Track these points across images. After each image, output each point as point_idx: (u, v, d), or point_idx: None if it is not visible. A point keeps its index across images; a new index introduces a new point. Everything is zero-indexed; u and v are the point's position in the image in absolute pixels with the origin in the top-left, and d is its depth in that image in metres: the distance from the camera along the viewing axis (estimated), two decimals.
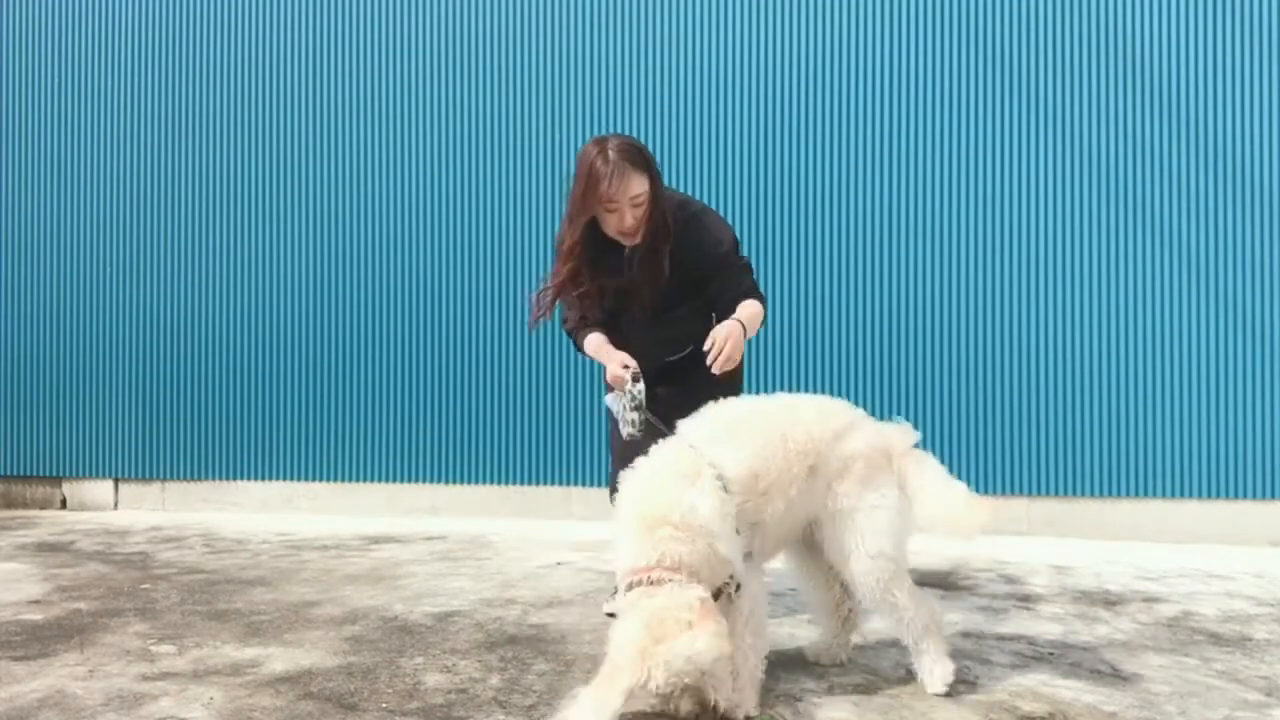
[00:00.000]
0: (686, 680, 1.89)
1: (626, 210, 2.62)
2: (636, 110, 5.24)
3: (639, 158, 2.62)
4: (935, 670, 2.27)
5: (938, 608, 2.33)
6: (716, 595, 2.08)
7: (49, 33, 5.93)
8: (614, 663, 1.92)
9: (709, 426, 2.27)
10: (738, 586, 2.12)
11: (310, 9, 5.63)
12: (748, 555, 2.17)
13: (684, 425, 2.31)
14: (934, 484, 2.32)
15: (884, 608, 2.26)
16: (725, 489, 2.12)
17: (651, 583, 1.99)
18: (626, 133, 5.16)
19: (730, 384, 2.73)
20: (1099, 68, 4.79)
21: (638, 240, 2.70)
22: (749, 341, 2.77)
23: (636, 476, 2.18)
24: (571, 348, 3.00)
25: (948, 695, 2.26)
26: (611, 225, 2.67)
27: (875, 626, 2.89)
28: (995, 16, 4.89)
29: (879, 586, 2.23)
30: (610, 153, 2.59)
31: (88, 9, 5.89)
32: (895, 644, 2.70)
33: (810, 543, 2.41)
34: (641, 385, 2.59)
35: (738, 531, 2.13)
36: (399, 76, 5.53)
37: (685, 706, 1.97)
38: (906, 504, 2.31)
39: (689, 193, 5.13)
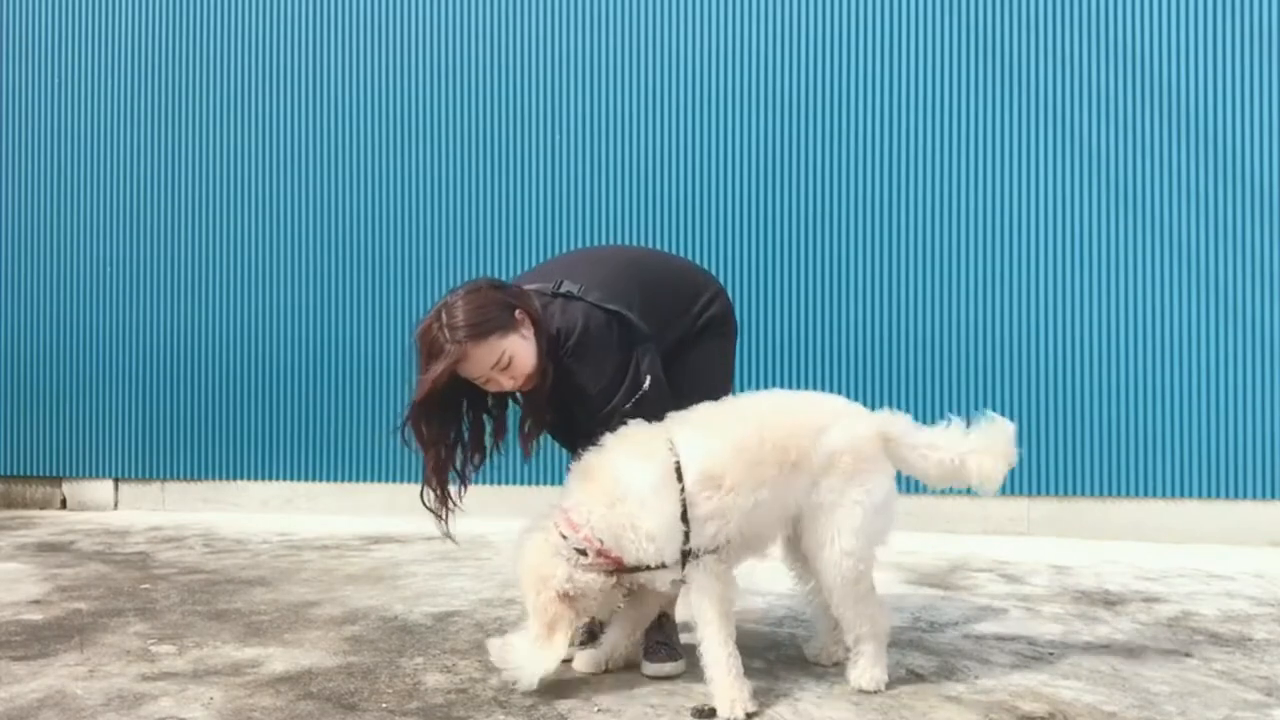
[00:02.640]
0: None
1: (499, 377, 2.33)
2: (636, 111, 5.24)
3: (485, 321, 2.26)
4: (869, 671, 2.29)
5: (886, 618, 2.35)
6: (632, 570, 2.21)
7: (49, 33, 5.93)
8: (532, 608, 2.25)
9: (691, 416, 2.31)
10: (681, 581, 2.21)
11: (310, 9, 5.63)
12: (711, 551, 2.18)
13: (673, 415, 2.33)
14: (942, 436, 2.39)
15: (840, 604, 2.28)
16: (678, 474, 2.16)
17: (555, 525, 2.23)
18: (628, 137, 5.23)
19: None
20: (1099, 67, 4.79)
21: (535, 384, 2.39)
22: (741, 348, 2.72)
23: (613, 436, 2.28)
24: None
25: (943, 694, 2.27)
26: (497, 389, 2.39)
27: None
28: (995, 16, 4.89)
29: (845, 582, 2.25)
30: (450, 330, 2.26)
31: (88, 9, 5.89)
32: (895, 644, 2.70)
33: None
34: None
35: (685, 522, 2.15)
36: (399, 77, 5.53)
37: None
38: (892, 499, 2.33)
39: (689, 196, 5.16)
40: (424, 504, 2.50)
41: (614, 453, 2.24)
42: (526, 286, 2.45)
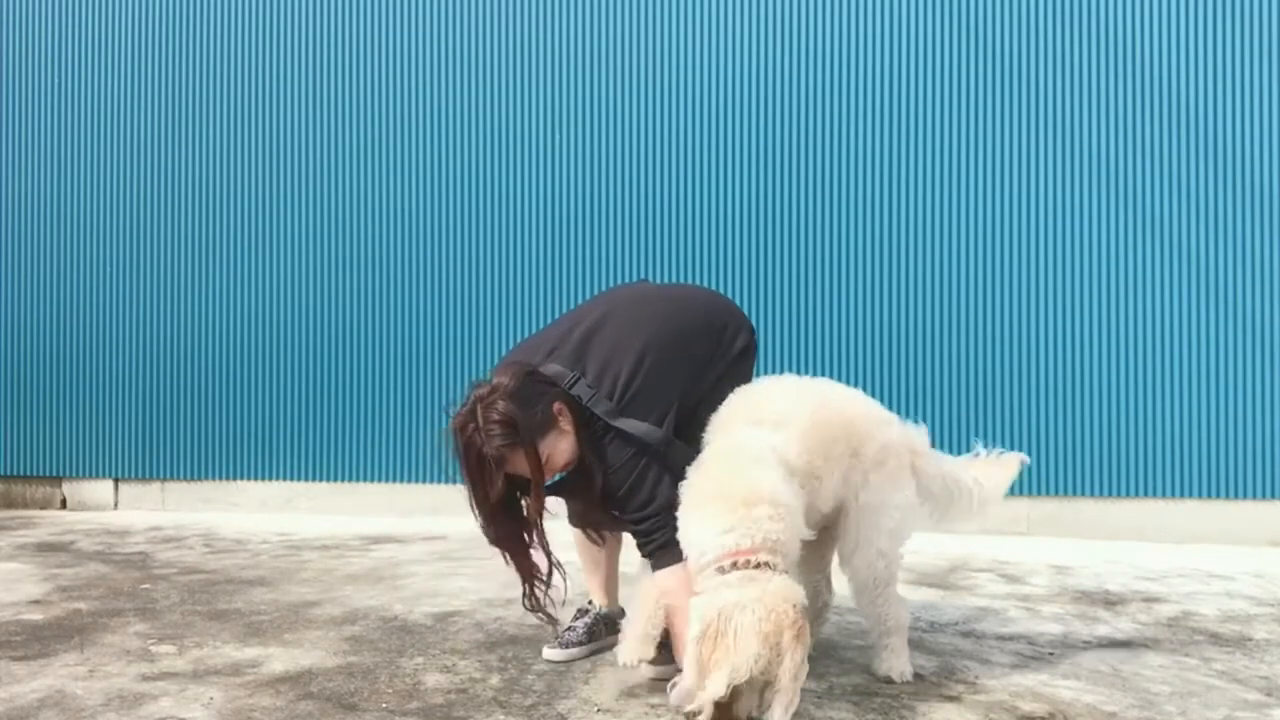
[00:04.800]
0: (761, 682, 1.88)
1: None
2: (636, 110, 5.24)
3: (522, 426, 2.19)
4: (896, 663, 2.37)
5: (907, 612, 2.42)
6: None
7: (49, 32, 5.93)
8: (729, 645, 1.86)
9: (762, 413, 2.22)
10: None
11: (310, 9, 5.63)
12: None
13: (728, 410, 2.27)
14: (959, 464, 2.52)
15: (868, 602, 2.35)
16: (790, 472, 2.14)
17: (756, 566, 1.94)
18: (628, 136, 5.23)
19: None
20: (1099, 68, 4.79)
21: (574, 463, 2.36)
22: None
23: (710, 461, 2.16)
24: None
25: (943, 694, 2.27)
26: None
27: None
28: (995, 16, 4.89)
29: (876, 583, 2.32)
30: (488, 436, 2.18)
31: (88, 9, 5.89)
32: None
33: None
34: None
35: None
36: (399, 77, 5.53)
37: (739, 697, 1.91)
38: (917, 504, 2.41)
39: (689, 196, 5.16)
40: (526, 608, 2.39)
41: (742, 464, 2.09)
42: (546, 369, 2.35)
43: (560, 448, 2.29)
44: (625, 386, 2.31)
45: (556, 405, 2.27)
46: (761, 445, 2.15)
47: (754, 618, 1.86)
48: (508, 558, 2.36)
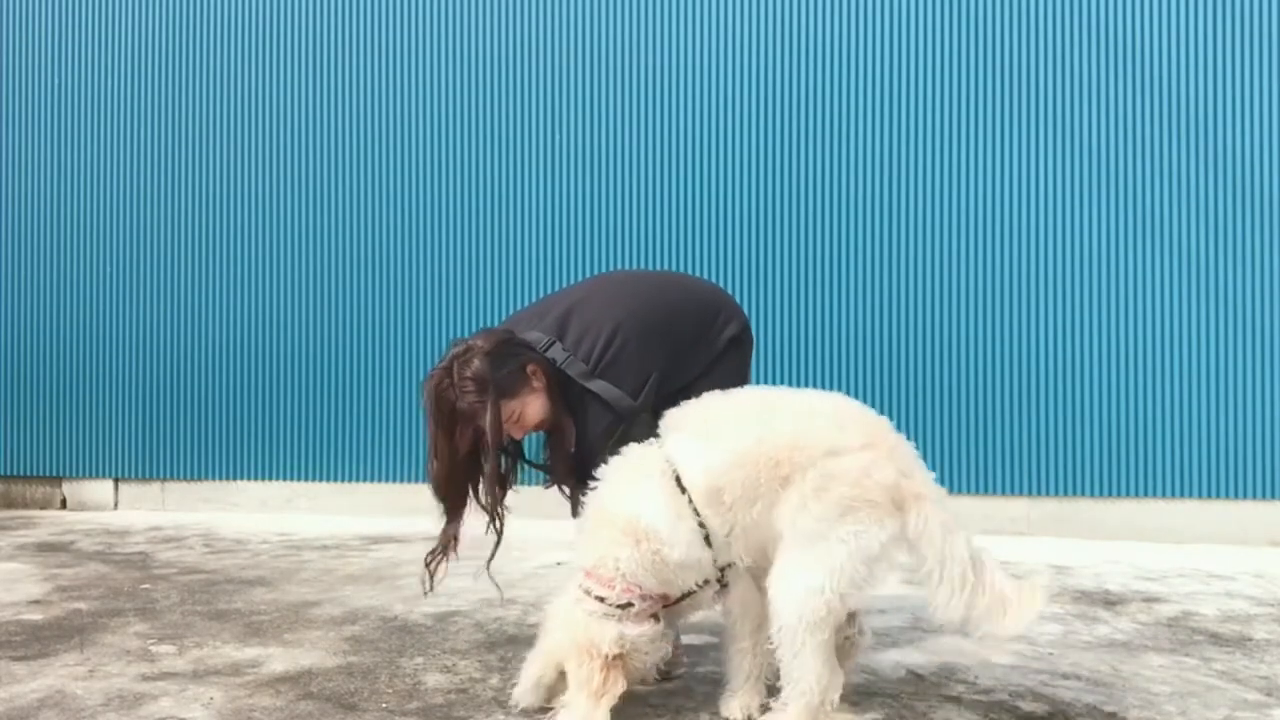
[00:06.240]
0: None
1: (510, 429, 2.35)
2: (636, 110, 5.24)
3: (496, 381, 2.25)
4: (749, 704, 2.08)
5: (835, 684, 1.96)
6: (681, 599, 2.11)
7: (49, 33, 5.93)
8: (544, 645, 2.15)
9: (689, 419, 2.15)
10: (721, 586, 2.11)
11: (310, 9, 5.63)
12: (730, 565, 2.09)
13: (671, 416, 2.20)
14: (982, 558, 1.97)
15: (789, 652, 1.92)
16: (682, 490, 2.03)
17: (585, 592, 2.06)
18: (628, 136, 5.23)
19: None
20: (1099, 68, 4.79)
21: (547, 427, 2.43)
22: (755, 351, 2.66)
23: (606, 471, 2.17)
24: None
25: (943, 694, 2.27)
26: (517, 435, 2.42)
27: (875, 625, 2.89)
28: (995, 16, 4.89)
29: (803, 625, 1.89)
30: (460, 391, 2.26)
31: (88, 9, 5.89)
32: (895, 644, 2.71)
33: None
34: None
35: (706, 535, 2.03)
36: (399, 78, 5.53)
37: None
38: (884, 556, 1.94)
39: (688, 196, 5.16)
40: (425, 560, 2.49)
41: (613, 488, 2.11)
42: (525, 335, 2.40)
43: (532, 406, 2.35)
44: (601, 353, 2.36)
45: (530, 366, 2.34)
46: (650, 459, 2.10)
47: (549, 641, 2.11)
48: (445, 513, 2.43)
